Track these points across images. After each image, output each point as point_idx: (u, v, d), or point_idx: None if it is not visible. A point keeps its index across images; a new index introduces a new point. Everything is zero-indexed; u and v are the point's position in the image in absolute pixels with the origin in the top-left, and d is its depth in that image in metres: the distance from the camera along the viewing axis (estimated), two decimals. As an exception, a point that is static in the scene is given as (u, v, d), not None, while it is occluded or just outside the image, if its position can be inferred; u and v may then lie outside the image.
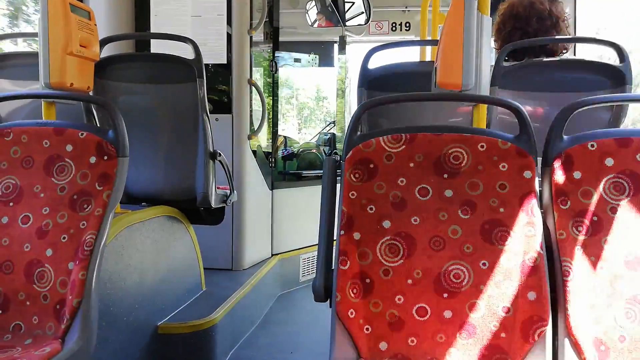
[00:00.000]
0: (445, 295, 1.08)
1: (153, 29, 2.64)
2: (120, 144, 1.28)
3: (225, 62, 2.59)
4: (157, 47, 2.63)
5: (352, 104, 4.23)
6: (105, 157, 1.28)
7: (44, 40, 1.39)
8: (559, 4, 1.74)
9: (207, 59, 2.18)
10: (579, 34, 2.25)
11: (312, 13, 4.26)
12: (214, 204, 2.06)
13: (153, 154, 2.06)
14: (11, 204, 1.29)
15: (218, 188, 2.14)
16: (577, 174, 1.09)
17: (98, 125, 1.83)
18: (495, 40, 1.85)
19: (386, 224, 1.12)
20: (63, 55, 1.39)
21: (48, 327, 1.20)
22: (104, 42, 1.87)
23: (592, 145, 1.09)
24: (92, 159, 1.29)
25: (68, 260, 1.22)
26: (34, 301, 1.22)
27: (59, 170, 1.31)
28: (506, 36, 1.77)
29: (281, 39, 3.14)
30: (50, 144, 1.31)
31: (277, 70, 3.10)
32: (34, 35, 1.54)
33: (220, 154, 2.06)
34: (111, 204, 1.26)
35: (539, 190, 1.12)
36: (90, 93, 1.56)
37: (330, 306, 1.10)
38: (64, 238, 1.24)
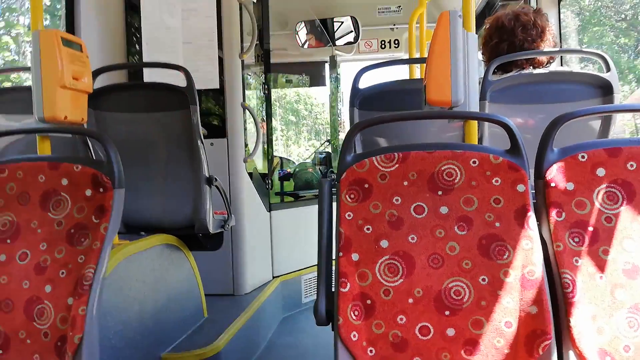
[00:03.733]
0: (447, 312, 1.07)
1: (145, 58, 2.66)
2: (115, 176, 1.28)
3: (218, 87, 2.61)
4: (149, 76, 2.66)
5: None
6: (101, 190, 1.28)
7: (36, 74, 1.40)
8: (543, 15, 1.78)
9: (199, 85, 2.20)
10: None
11: (302, 34, 4.32)
12: (212, 229, 2.06)
13: (149, 183, 2.06)
14: (8, 241, 1.29)
15: (215, 213, 2.14)
16: (570, 185, 1.10)
17: (94, 156, 1.84)
18: (482, 53, 1.87)
19: (384, 243, 1.12)
20: (56, 89, 1.40)
21: None
22: (96, 73, 1.89)
23: (583, 157, 1.10)
24: (88, 192, 1.28)
25: (67, 295, 1.21)
26: (35, 339, 1.21)
27: (55, 205, 1.30)
28: (493, 48, 1.80)
29: (272, 60, 3.17)
30: (45, 179, 1.31)
31: (269, 91, 3.13)
32: (27, 69, 1.56)
33: (216, 179, 2.07)
34: (109, 237, 1.26)
35: (533, 203, 1.12)
36: (85, 125, 1.57)
37: (333, 329, 1.09)
38: (63, 273, 1.24)
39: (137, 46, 2.70)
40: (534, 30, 1.74)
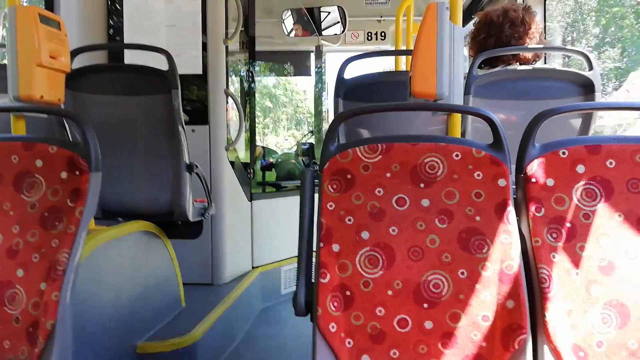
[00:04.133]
0: (426, 305, 1.08)
1: (126, 40, 2.60)
2: (92, 158, 1.25)
3: (201, 72, 2.57)
4: (130, 58, 2.60)
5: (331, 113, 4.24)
6: (77, 172, 1.25)
7: (12, 51, 1.36)
8: (532, 14, 1.79)
9: (182, 69, 2.16)
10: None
11: (288, 22, 4.28)
12: (191, 217, 2.04)
13: (128, 168, 2.02)
14: None
15: (195, 201, 2.12)
16: (550, 181, 1.11)
17: (70, 139, 1.79)
18: (470, 48, 1.88)
19: (365, 235, 1.12)
20: (32, 67, 1.36)
21: (21, 351, 1.16)
22: (75, 53, 1.84)
23: (564, 153, 1.11)
24: (63, 174, 1.25)
25: (40, 280, 1.18)
26: (6, 325, 1.18)
27: (28, 187, 1.27)
28: (481, 43, 1.81)
29: (257, 48, 3.13)
30: (19, 159, 1.27)
31: (253, 79, 3.10)
32: (2, 46, 1.51)
33: (197, 166, 2.04)
34: (84, 221, 1.23)
35: (514, 198, 1.13)
36: (62, 106, 1.53)
37: (312, 320, 1.09)
38: (36, 257, 1.21)
39: (118, 27, 2.63)
40: (521, 27, 1.75)
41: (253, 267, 2.89)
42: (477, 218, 1.11)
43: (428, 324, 1.07)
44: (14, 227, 1.24)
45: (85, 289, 1.47)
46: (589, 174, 1.10)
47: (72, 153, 1.25)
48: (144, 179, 2.04)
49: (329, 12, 4.11)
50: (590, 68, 1.62)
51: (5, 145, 1.28)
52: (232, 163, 2.68)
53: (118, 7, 2.61)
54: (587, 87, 1.61)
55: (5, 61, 1.42)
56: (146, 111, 2.01)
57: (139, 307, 1.82)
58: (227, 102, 2.64)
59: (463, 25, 1.31)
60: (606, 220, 1.09)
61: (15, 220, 1.25)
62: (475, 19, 1.87)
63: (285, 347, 2.32)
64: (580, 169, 1.11)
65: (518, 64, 1.74)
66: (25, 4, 1.41)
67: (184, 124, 2.00)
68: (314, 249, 1.15)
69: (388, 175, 1.13)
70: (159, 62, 1.97)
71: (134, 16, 2.60)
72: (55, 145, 1.26)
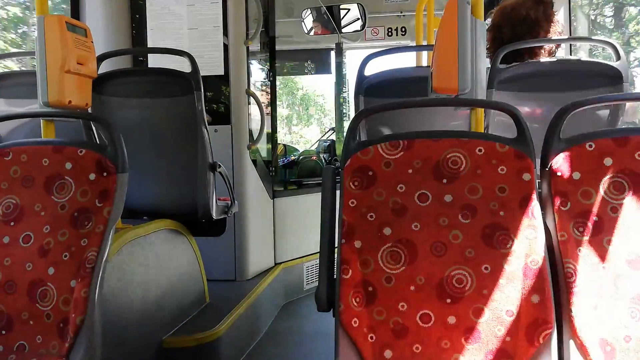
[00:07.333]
0: (449, 300, 1.07)
1: (150, 44, 2.65)
2: (119, 160, 1.29)
3: (223, 74, 2.60)
4: (154, 61, 2.65)
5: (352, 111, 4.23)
6: (105, 174, 1.28)
7: (41, 58, 1.41)
8: (549, 8, 1.75)
9: (204, 71, 2.19)
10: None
11: (308, 21, 4.28)
12: (215, 215, 2.07)
13: (153, 168, 2.07)
14: (12, 223, 1.30)
15: (219, 199, 2.15)
16: (576, 175, 1.09)
17: (97, 141, 1.84)
18: (488, 47, 1.85)
19: (387, 231, 1.11)
20: (60, 74, 1.41)
21: (52, 346, 1.20)
22: (101, 59, 1.89)
23: (591, 146, 1.09)
24: (92, 176, 1.29)
25: (70, 278, 1.22)
26: (37, 320, 1.22)
27: (59, 188, 1.31)
28: (498, 40, 1.77)
29: (278, 47, 3.15)
30: (49, 162, 1.32)
31: (274, 79, 3.12)
32: (32, 54, 1.56)
33: (220, 165, 2.07)
34: (112, 220, 1.27)
35: (539, 192, 1.11)
36: (89, 109, 1.57)
37: (334, 315, 1.09)
38: (66, 256, 1.25)
39: (142, 32, 2.68)
40: (537, 25, 1.72)
41: (276, 263, 2.92)
42: (501, 213, 1.09)
43: (451, 319, 1.06)
44: (45, 227, 1.28)
45: (113, 285, 1.51)
46: (617, 166, 1.08)
47: (100, 155, 1.29)
48: (169, 179, 2.08)
49: (349, 9, 4.10)
50: (618, 58, 1.57)
51: (36, 149, 1.33)
52: (254, 161, 2.71)
53: (141, 12, 2.66)
54: (615, 78, 1.57)
55: (34, 67, 1.47)
56: (170, 113, 2.05)
57: (164, 303, 1.86)
58: (248, 102, 2.66)
59: (485, 19, 1.30)
60: (635, 214, 1.07)
61: (46, 220, 1.29)
62: (492, 14, 1.84)
63: (308, 341, 2.33)
64: (608, 161, 1.08)
65: (539, 58, 1.71)
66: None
67: (207, 125, 2.03)
68: (336, 245, 1.15)
69: (410, 171, 1.13)
70: (182, 65, 2.00)
71: (156, 21, 2.65)
72: (83, 148, 1.30)
